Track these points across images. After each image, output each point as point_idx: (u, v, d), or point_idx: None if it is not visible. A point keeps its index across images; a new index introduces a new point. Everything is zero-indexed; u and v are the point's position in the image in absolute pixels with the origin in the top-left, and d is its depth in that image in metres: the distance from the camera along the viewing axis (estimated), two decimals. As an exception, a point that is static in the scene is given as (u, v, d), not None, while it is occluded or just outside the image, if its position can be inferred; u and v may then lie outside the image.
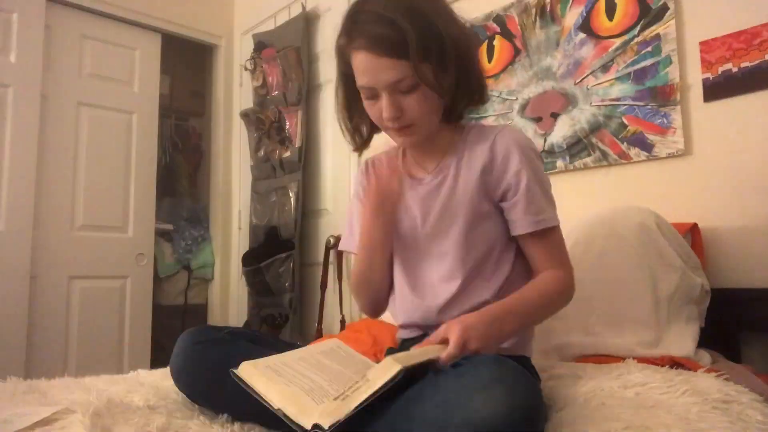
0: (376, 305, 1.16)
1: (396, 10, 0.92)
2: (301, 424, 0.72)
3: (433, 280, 1.05)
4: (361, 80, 0.97)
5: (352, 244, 1.19)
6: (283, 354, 0.90)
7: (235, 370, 0.83)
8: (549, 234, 1.01)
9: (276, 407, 0.75)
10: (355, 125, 1.11)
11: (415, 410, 0.71)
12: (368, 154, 1.20)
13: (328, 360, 0.89)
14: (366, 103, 1.01)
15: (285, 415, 0.74)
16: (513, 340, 1.02)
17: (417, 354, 0.81)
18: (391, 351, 1.14)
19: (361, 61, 0.95)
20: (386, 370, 0.75)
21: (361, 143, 1.12)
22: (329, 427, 0.69)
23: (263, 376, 0.80)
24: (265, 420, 0.90)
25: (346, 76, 1.04)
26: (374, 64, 0.93)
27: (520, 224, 1.01)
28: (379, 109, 0.97)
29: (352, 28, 0.96)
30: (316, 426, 0.70)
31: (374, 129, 1.12)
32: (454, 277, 1.03)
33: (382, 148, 1.19)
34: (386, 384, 0.73)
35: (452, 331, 0.84)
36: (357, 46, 0.95)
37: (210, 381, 0.96)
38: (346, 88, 1.07)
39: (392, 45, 0.91)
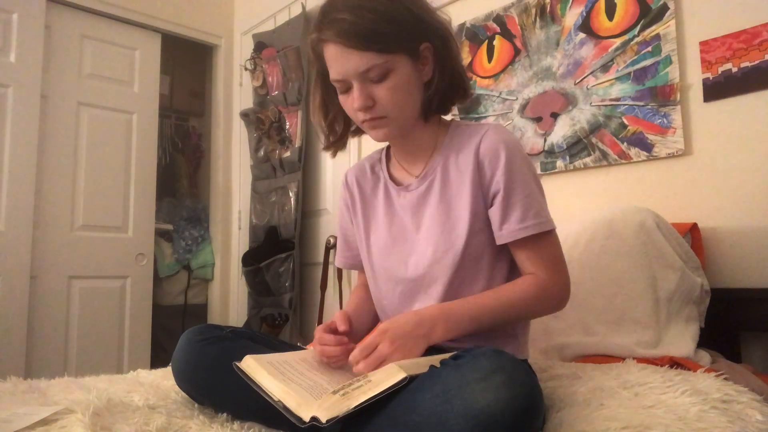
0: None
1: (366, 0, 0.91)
2: (300, 416, 0.72)
3: (428, 291, 1.03)
4: (332, 73, 0.96)
5: (344, 260, 1.23)
6: (285, 353, 0.91)
7: (237, 363, 0.84)
8: (535, 240, 0.96)
9: (276, 399, 0.76)
10: (330, 124, 1.10)
11: (415, 401, 0.71)
12: (343, 157, 1.19)
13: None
14: (341, 98, 1.00)
15: (285, 407, 0.74)
16: (510, 346, 1.01)
17: (422, 362, 0.81)
18: None
19: (331, 53, 0.94)
20: (390, 375, 0.76)
21: (333, 141, 1.11)
22: (327, 421, 0.70)
23: (265, 370, 0.80)
24: (264, 418, 0.91)
25: (322, 74, 1.03)
26: (343, 55, 0.92)
27: (509, 232, 0.97)
28: (352, 100, 0.96)
29: (322, 21, 0.94)
30: (314, 419, 0.71)
31: (348, 129, 1.11)
32: (442, 284, 1.00)
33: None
34: (389, 389, 0.74)
35: (376, 330, 0.89)
36: (326, 38, 0.94)
37: (211, 376, 0.97)
38: (322, 86, 1.06)
39: (359, 34, 0.90)
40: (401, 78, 0.95)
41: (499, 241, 0.98)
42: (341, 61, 0.93)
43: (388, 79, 0.94)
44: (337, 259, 1.24)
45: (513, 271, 1.04)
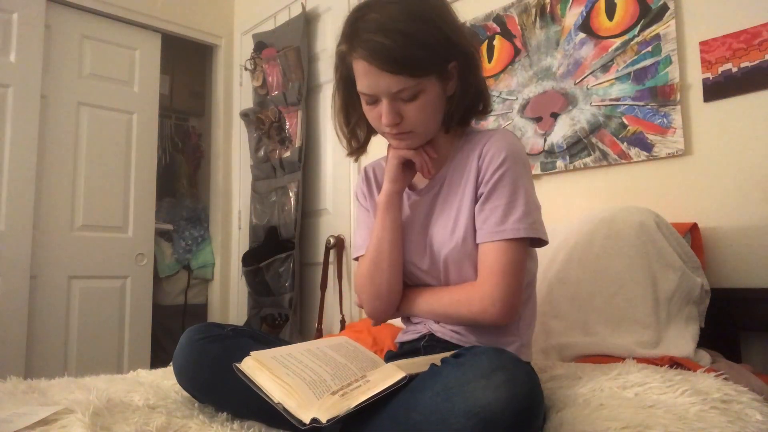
0: (379, 311, 1.08)
1: (398, 20, 0.90)
2: (300, 418, 0.72)
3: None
4: (361, 86, 0.97)
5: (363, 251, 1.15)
6: (289, 346, 0.91)
7: (237, 364, 0.84)
8: (503, 246, 0.95)
9: (276, 401, 0.76)
10: (352, 129, 1.09)
11: (416, 399, 0.72)
12: (365, 159, 1.18)
13: (334, 353, 0.90)
14: (365, 108, 1.00)
15: (285, 409, 0.74)
16: (512, 346, 1.02)
17: (421, 362, 0.81)
18: (390, 355, 1.14)
19: (361, 69, 0.94)
20: (389, 375, 0.76)
21: (357, 147, 1.11)
22: (327, 421, 0.70)
23: (265, 370, 0.80)
24: (265, 417, 0.91)
25: (346, 80, 1.03)
26: (375, 74, 0.92)
27: (481, 233, 0.97)
28: (379, 113, 0.96)
29: (353, 36, 0.93)
30: (314, 420, 0.71)
31: (371, 133, 1.10)
32: (447, 283, 1.02)
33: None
34: (388, 388, 0.74)
35: None
36: (358, 55, 0.93)
37: (211, 375, 0.98)
38: (345, 92, 1.06)
39: (393, 58, 0.90)
40: (430, 98, 0.95)
41: (477, 240, 0.98)
42: (372, 80, 0.93)
43: (418, 99, 0.94)
44: (357, 252, 1.15)
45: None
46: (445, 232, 1.02)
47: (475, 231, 1.00)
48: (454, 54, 0.96)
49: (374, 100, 0.97)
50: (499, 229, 0.95)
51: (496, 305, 0.94)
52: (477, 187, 1.00)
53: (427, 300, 1.03)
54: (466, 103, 1.01)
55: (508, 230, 0.95)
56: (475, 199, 1.00)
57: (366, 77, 0.94)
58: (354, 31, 0.93)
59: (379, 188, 1.16)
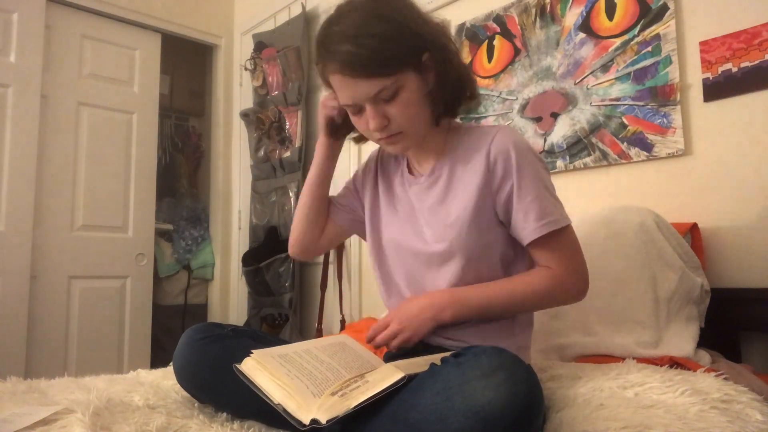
0: (303, 245, 1.31)
1: (360, 26, 0.92)
2: (300, 419, 0.72)
3: (435, 283, 1.04)
4: (342, 99, 0.99)
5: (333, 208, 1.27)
6: (290, 345, 0.91)
7: (237, 365, 0.84)
8: (555, 236, 0.98)
9: (276, 402, 0.76)
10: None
11: (415, 399, 0.72)
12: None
13: (334, 353, 0.90)
14: (353, 119, 1.02)
15: (284, 410, 0.75)
16: (509, 347, 1.01)
17: (421, 362, 0.81)
18: (389, 355, 1.14)
19: (337, 82, 0.96)
20: (388, 376, 0.76)
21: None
22: (327, 422, 0.70)
23: (265, 371, 0.80)
24: (264, 418, 0.91)
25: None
26: (350, 84, 0.94)
27: (527, 232, 0.98)
28: (366, 121, 0.98)
29: (324, 53, 0.96)
30: (314, 421, 0.71)
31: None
32: (453, 281, 1.02)
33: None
34: (387, 389, 0.74)
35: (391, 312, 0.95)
36: (331, 70, 0.95)
37: (211, 375, 0.98)
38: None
39: (362, 63, 0.91)
40: (411, 93, 0.96)
41: (524, 242, 0.99)
42: (350, 90, 0.95)
43: (399, 97, 0.95)
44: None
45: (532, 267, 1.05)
46: (445, 226, 1.02)
47: (481, 226, 1.00)
48: (425, 45, 0.96)
49: (358, 110, 0.98)
50: (546, 222, 0.97)
51: (587, 283, 1.03)
52: (489, 187, 1.00)
53: (495, 299, 0.99)
54: (449, 93, 1.01)
55: (555, 221, 0.97)
56: (489, 199, 1.00)
57: (344, 89, 0.96)
58: (324, 47, 0.96)
59: (383, 172, 1.18)
